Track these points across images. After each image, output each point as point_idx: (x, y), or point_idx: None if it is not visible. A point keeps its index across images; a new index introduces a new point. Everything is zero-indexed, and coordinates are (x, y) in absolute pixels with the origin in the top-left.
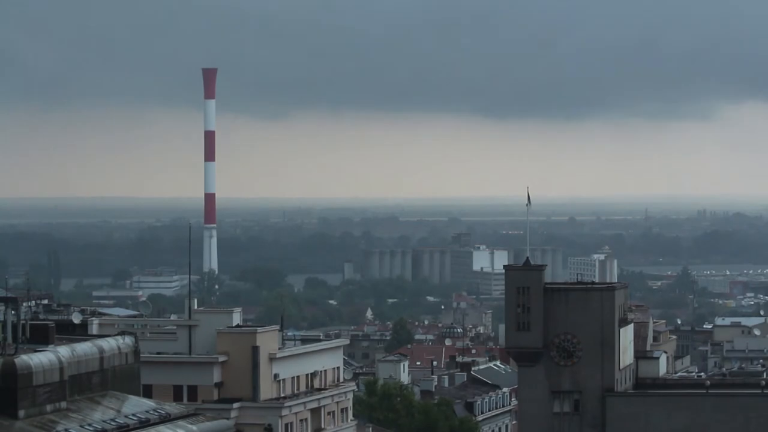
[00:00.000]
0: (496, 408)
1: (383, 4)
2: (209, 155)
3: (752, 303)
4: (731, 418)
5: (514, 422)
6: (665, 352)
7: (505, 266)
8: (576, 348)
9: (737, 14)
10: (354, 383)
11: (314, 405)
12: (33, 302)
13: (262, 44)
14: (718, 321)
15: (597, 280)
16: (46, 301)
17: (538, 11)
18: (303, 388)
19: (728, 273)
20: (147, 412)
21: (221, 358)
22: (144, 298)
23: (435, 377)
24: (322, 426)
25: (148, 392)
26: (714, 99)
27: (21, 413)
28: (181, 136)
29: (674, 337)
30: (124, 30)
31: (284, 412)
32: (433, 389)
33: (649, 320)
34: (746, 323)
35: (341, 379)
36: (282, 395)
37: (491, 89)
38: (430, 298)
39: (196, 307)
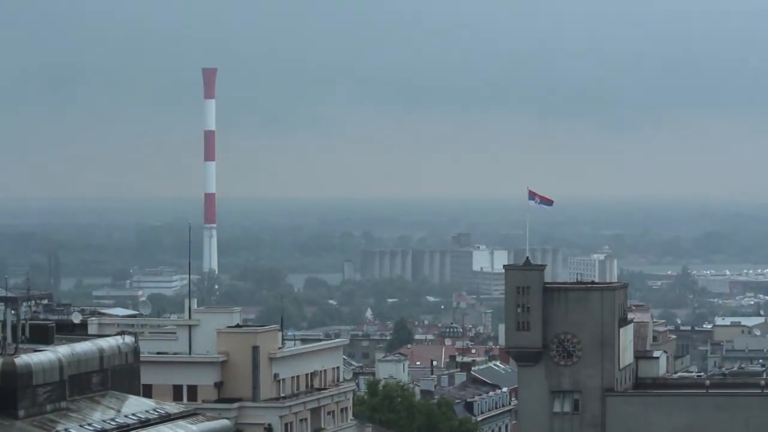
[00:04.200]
0: (496, 408)
1: None
2: (209, 155)
3: (752, 303)
4: (731, 418)
5: (514, 422)
6: (665, 352)
7: (505, 266)
8: (576, 348)
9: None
10: (354, 383)
11: (314, 405)
12: (33, 302)
13: (261, 43)
14: (718, 321)
15: (597, 280)
16: (46, 301)
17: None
18: (303, 387)
19: (728, 273)
20: (147, 411)
21: (221, 358)
22: (144, 298)
23: (435, 377)
24: (322, 426)
25: (148, 392)
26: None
27: (21, 413)
28: (181, 136)
29: (674, 337)
30: (124, 30)
31: (284, 411)
32: (433, 389)
33: (649, 320)
34: (746, 323)
35: (341, 379)
36: (282, 395)
37: (491, 88)
38: (430, 298)
39: (196, 307)
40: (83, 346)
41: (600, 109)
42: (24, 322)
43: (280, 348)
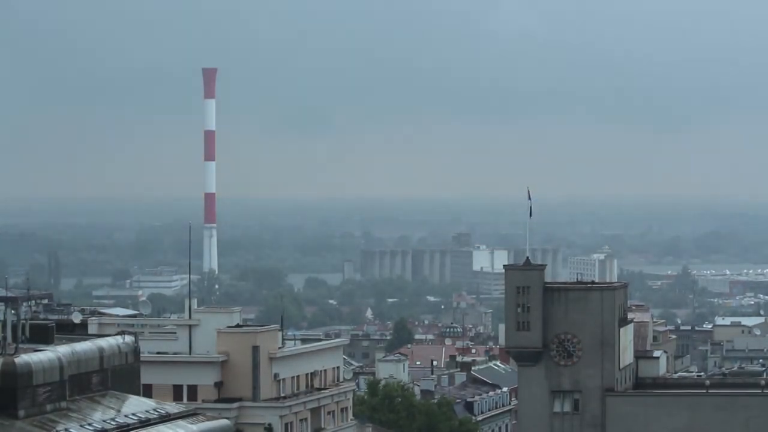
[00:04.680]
0: (496, 408)
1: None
2: (209, 155)
3: (752, 303)
4: (731, 418)
5: (514, 422)
6: (665, 352)
7: (505, 266)
8: (576, 348)
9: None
10: (354, 383)
11: (314, 405)
12: (33, 302)
13: (261, 43)
14: (718, 321)
15: (597, 280)
16: (46, 301)
17: None
18: (303, 387)
19: (728, 273)
20: (147, 411)
21: (221, 358)
22: (144, 298)
23: (435, 377)
24: (322, 426)
25: (148, 392)
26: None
27: (21, 413)
28: (181, 136)
29: (674, 336)
30: (124, 29)
31: (284, 411)
32: (433, 389)
33: (649, 320)
34: (746, 323)
35: (341, 379)
36: (282, 395)
37: (491, 90)
38: (430, 298)
39: (196, 307)
40: (83, 346)
41: (599, 110)
42: (24, 322)
43: (280, 348)
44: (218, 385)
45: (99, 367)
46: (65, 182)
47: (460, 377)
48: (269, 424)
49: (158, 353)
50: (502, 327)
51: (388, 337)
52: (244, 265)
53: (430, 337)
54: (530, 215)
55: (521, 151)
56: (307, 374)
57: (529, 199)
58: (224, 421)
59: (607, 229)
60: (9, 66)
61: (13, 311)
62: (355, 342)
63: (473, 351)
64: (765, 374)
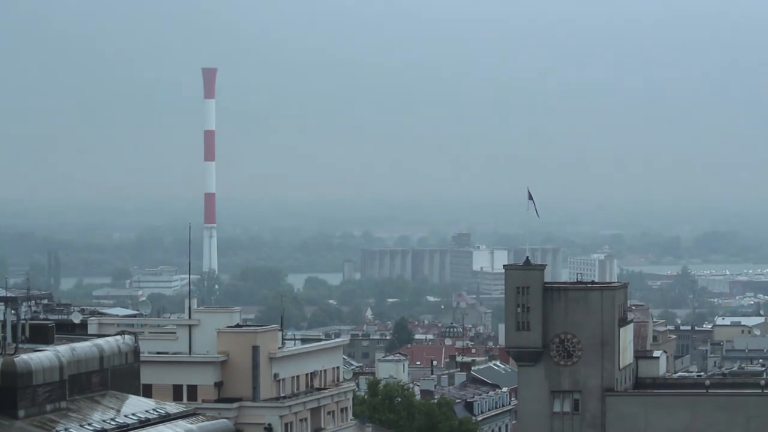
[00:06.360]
0: (496, 408)
1: None
2: (209, 155)
3: (752, 303)
4: (731, 418)
5: (514, 422)
6: (665, 352)
7: (505, 266)
8: (576, 348)
9: None
10: (354, 383)
11: (314, 405)
12: (33, 302)
13: (261, 43)
14: (718, 321)
15: (597, 280)
16: (46, 301)
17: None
18: (303, 387)
19: (728, 273)
20: (147, 411)
21: (221, 358)
22: (144, 298)
23: (435, 377)
24: (322, 426)
25: (148, 392)
26: None
27: (21, 413)
28: (181, 136)
29: (674, 336)
30: (124, 30)
31: (284, 411)
32: (433, 389)
33: (649, 320)
34: (746, 323)
35: (341, 379)
36: (282, 395)
37: (488, 89)
38: (430, 298)
39: (196, 306)
40: (83, 346)
41: (590, 108)
42: (24, 322)
43: (280, 348)
44: (218, 385)
45: (99, 367)
46: (65, 182)
47: (460, 377)
48: (269, 424)
49: (158, 353)
50: (502, 327)
51: (388, 337)
52: (244, 265)
53: (430, 337)
54: (537, 215)
55: (522, 151)
56: (307, 374)
57: (531, 198)
58: (224, 421)
59: (607, 229)
60: (8, 66)
61: (13, 311)
62: (355, 342)
63: (473, 351)
64: (765, 374)
